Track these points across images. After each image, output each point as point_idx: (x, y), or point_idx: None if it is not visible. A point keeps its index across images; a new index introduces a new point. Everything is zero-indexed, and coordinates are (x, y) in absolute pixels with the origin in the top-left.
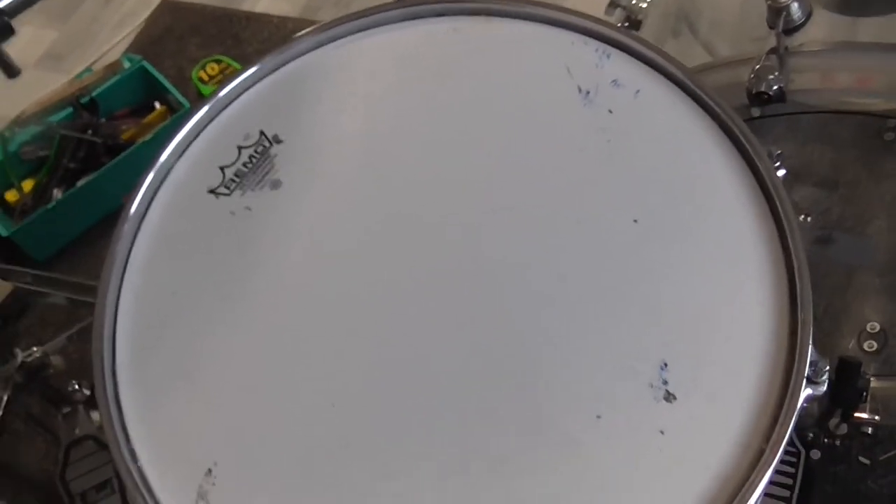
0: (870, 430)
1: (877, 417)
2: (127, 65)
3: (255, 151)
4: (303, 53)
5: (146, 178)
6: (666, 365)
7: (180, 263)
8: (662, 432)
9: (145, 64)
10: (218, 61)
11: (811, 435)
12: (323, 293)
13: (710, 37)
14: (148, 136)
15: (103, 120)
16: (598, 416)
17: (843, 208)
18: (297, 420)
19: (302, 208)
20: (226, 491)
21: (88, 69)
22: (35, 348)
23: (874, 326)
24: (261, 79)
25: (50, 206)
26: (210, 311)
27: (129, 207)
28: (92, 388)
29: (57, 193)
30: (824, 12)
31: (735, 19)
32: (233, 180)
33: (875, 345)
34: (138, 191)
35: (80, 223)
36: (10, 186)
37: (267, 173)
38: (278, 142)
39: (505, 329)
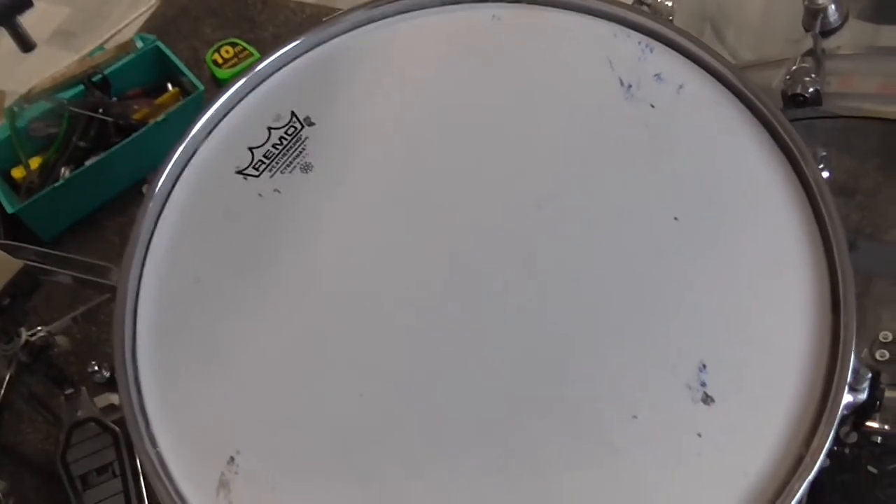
0: (879, 440)
1: (887, 427)
2: (140, 45)
3: (286, 133)
4: (340, 34)
5: (172, 155)
6: (704, 366)
7: (205, 245)
8: (700, 435)
9: (159, 44)
10: (233, 44)
11: None
12: (351, 280)
13: (735, 40)
14: (160, 117)
15: (115, 99)
16: (635, 416)
17: (862, 215)
18: (324, 410)
19: (333, 193)
20: (248, 480)
21: (100, 47)
22: (40, 328)
23: (887, 336)
24: (295, 58)
25: (57, 184)
26: (235, 296)
27: (155, 185)
28: (112, 370)
29: (65, 172)
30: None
31: (759, 23)
32: (262, 162)
33: (887, 354)
34: (164, 168)
35: (88, 203)
36: (17, 163)
37: (297, 156)
38: (310, 124)
39: (541, 324)
